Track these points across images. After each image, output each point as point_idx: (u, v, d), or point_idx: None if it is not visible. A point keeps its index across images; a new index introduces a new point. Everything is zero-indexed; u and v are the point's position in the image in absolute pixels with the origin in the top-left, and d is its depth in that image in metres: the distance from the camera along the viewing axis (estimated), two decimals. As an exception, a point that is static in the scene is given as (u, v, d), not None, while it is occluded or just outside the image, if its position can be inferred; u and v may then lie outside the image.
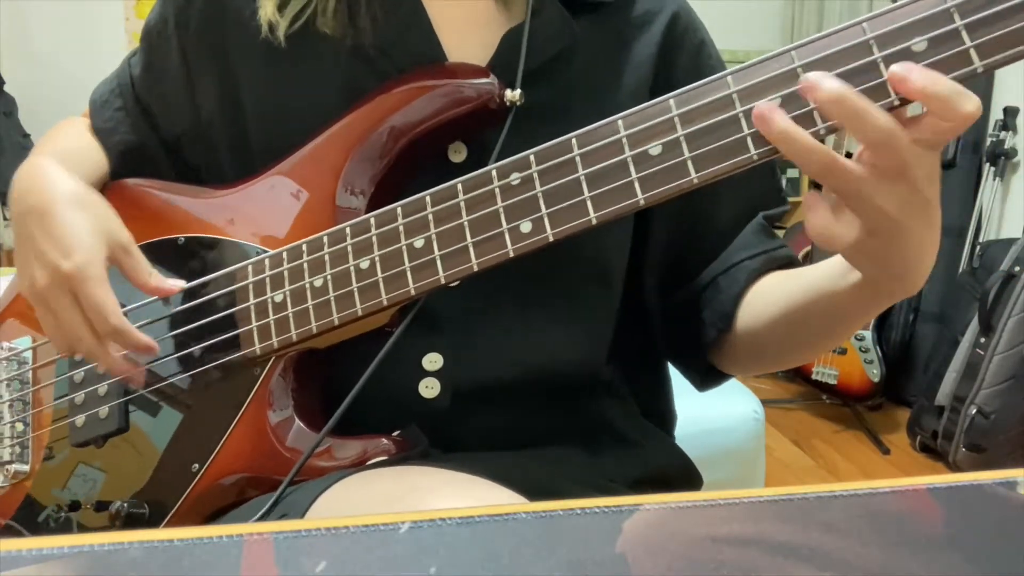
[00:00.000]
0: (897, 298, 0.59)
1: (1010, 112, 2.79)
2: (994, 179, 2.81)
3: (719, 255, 0.74)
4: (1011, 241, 2.53)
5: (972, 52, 0.50)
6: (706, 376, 0.79)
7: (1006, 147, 2.79)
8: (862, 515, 0.35)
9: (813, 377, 2.80)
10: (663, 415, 0.84)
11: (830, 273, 0.62)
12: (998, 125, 2.82)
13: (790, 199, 0.79)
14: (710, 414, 1.41)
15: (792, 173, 3.41)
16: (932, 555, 0.34)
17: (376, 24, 0.69)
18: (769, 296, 0.71)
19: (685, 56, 0.74)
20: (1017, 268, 2.36)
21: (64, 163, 0.74)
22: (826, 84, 0.50)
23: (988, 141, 2.83)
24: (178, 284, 0.70)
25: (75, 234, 0.67)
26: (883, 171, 0.50)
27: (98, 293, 0.65)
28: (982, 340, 2.37)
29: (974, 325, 2.42)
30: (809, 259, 2.86)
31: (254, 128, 0.73)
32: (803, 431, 2.74)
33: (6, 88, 3.15)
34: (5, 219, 3.16)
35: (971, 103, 0.48)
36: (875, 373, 2.70)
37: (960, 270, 2.74)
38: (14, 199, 0.72)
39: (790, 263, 0.74)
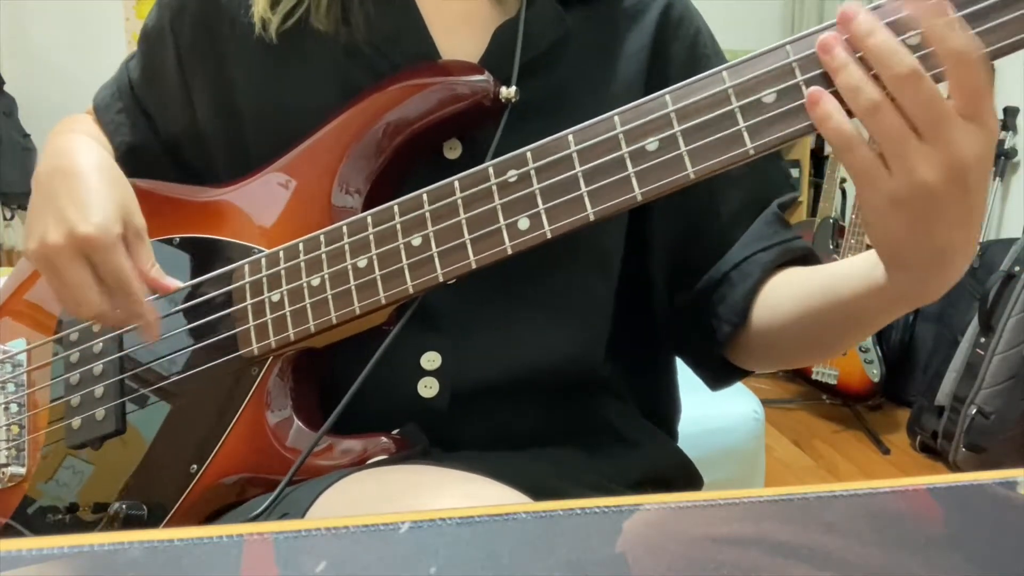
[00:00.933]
0: (916, 301, 0.58)
1: (1010, 112, 2.79)
2: (994, 179, 2.82)
3: (727, 248, 0.73)
4: (1011, 241, 2.53)
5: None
6: (719, 373, 0.78)
7: (1006, 147, 2.80)
8: (862, 515, 0.35)
9: (813, 377, 2.80)
10: (664, 415, 0.84)
11: (852, 271, 0.62)
12: (998, 125, 2.82)
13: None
14: (710, 414, 1.41)
15: (792, 173, 3.40)
16: (932, 555, 0.34)
17: (369, 21, 0.69)
18: (785, 292, 0.70)
19: (680, 46, 0.73)
20: (1017, 268, 2.36)
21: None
22: (862, 16, 0.51)
23: (988, 141, 2.83)
24: (175, 283, 0.70)
25: (98, 201, 0.67)
26: (920, 124, 0.49)
27: (117, 258, 0.66)
28: (982, 340, 2.37)
29: (974, 325, 2.42)
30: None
31: (250, 128, 0.73)
32: (803, 431, 2.74)
33: (6, 88, 3.15)
34: (5, 219, 3.16)
35: (956, 40, 0.48)
36: (875, 373, 2.70)
37: (960, 270, 2.74)
38: (42, 159, 0.73)
39: (807, 255, 0.74)
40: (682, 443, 0.83)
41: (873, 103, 0.50)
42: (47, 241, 0.66)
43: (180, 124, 0.78)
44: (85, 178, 0.69)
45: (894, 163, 0.51)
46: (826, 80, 0.53)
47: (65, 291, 0.67)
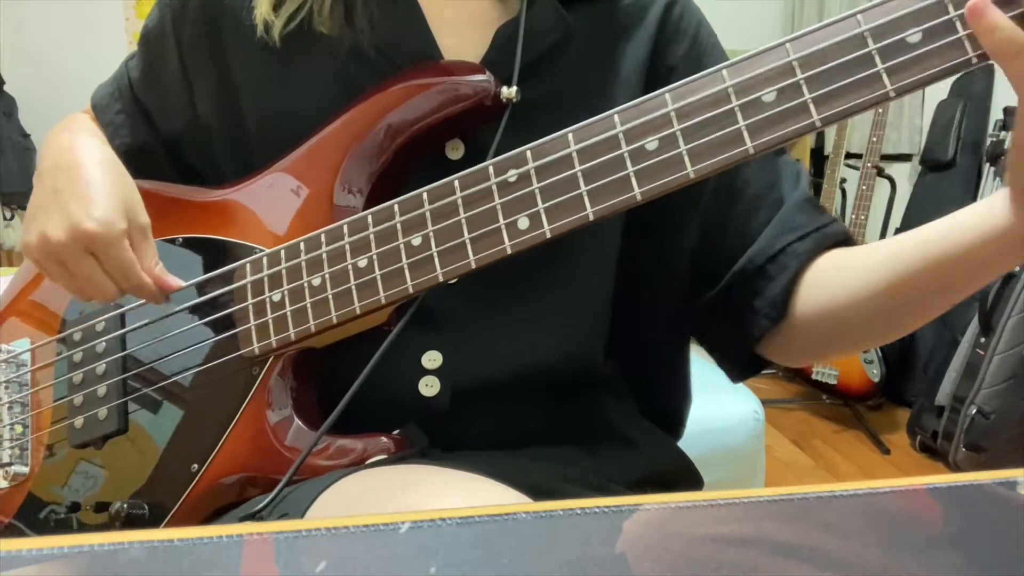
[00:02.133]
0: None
1: (1010, 112, 2.78)
2: (994, 179, 2.81)
3: (748, 239, 0.71)
4: (1011, 241, 2.53)
5: (966, 42, 0.50)
6: (746, 367, 0.77)
7: (1006, 147, 2.79)
8: (862, 515, 0.35)
9: (813, 377, 2.80)
10: (666, 415, 0.83)
11: (955, 226, 0.59)
12: (998, 125, 2.82)
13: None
14: (710, 414, 1.41)
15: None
16: (932, 555, 0.34)
17: (373, 23, 0.69)
18: (849, 276, 0.67)
19: (682, 39, 0.73)
20: (1017, 268, 2.36)
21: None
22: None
23: (988, 141, 2.83)
24: (178, 283, 0.70)
25: (102, 196, 0.67)
26: None
27: (121, 254, 0.66)
28: (982, 340, 2.37)
29: (974, 325, 2.42)
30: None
31: (253, 128, 0.73)
32: (803, 431, 2.74)
33: (6, 88, 3.15)
34: (5, 219, 3.16)
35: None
36: (875, 373, 2.70)
37: (960, 270, 2.74)
38: (44, 156, 0.72)
39: (846, 240, 0.71)
40: (682, 443, 0.83)
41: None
42: (49, 237, 0.66)
43: (182, 125, 0.78)
44: (89, 173, 0.68)
45: None
46: (825, 79, 0.53)
47: (75, 283, 0.67)
